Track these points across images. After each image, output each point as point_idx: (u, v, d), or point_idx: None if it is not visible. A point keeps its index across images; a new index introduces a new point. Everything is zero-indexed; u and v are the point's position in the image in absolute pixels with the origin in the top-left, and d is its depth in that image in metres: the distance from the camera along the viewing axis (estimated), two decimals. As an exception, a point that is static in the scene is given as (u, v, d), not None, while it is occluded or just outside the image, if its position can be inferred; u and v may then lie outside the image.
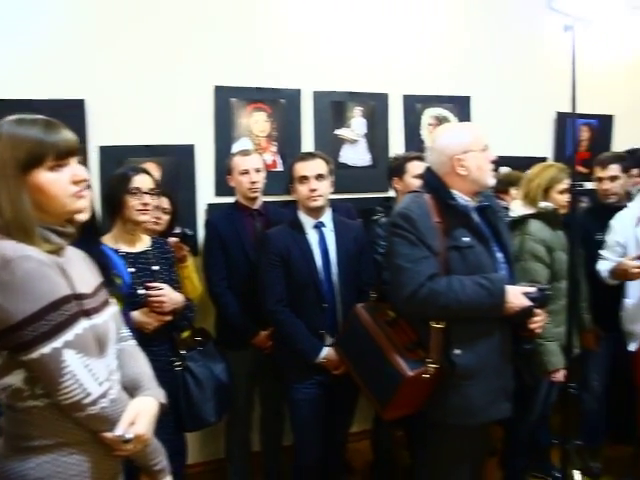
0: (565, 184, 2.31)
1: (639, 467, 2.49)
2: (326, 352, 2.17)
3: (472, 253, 1.70)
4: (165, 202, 2.39)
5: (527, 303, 1.67)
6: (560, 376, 2.31)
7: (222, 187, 2.74)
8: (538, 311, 1.71)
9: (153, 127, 2.70)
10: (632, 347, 2.51)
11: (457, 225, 1.72)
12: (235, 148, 2.78)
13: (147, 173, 2.04)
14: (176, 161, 2.76)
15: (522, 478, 2.67)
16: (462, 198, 1.77)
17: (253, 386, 2.69)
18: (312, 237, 2.25)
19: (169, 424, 1.98)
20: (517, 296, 1.67)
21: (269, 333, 2.46)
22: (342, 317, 2.21)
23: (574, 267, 2.09)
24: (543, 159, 3.38)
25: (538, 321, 1.73)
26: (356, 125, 3.11)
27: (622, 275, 2.36)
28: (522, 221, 2.40)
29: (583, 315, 2.61)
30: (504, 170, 3.23)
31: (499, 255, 1.80)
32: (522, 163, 2.98)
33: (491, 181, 1.80)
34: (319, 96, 3.01)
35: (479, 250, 1.71)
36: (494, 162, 1.79)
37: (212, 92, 2.80)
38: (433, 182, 1.78)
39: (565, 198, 2.36)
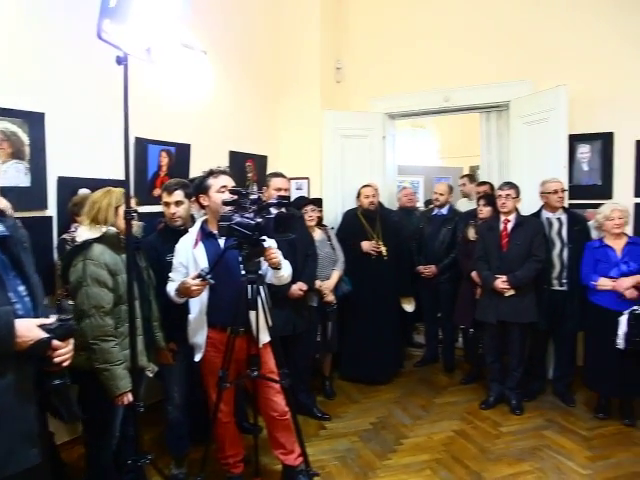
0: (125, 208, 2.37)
1: (209, 464, 2.73)
2: None
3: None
4: None
5: (42, 335, 1.57)
6: (128, 398, 2.35)
7: None
8: (59, 343, 1.62)
9: None
10: (197, 357, 2.75)
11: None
12: None
13: None
14: None
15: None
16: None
17: None
18: None
19: None
20: (30, 329, 1.56)
21: None
22: None
23: (132, 289, 2.17)
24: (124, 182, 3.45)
25: (63, 354, 1.64)
26: None
27: (185, 293, 2.56)
28: (85, 246, 2.37)
29: (156, 334, 2.74)
30: (83, 192, 3.17)
31: (21, 288, 1.66)
32: (104, 186, 2.94)
33: None
34: None
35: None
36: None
37: None
38: None
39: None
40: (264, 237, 2.40)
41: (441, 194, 4.90)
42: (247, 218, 2.37)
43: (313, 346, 3.96)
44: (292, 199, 4.35)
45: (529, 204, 4.24)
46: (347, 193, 4.82)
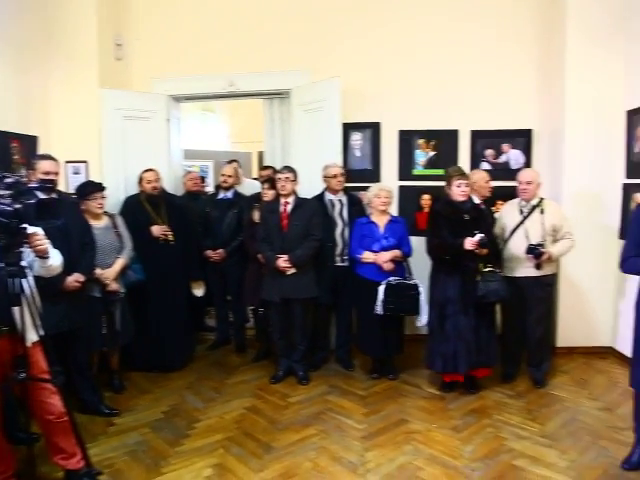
0: None
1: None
2: None
3: None
4: None
5: None
6: None
7: None
8: None
9: None
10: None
11: None
12: None
13: None
14: None
15: None
16: None
17: None
18: None
19: None
20: None
21: None
22: None
23: None
24: None
25: None
26: None
27: None
28: None
29: None
30: None
31: None
32: None
33: None
34: None
35: None
36: None
37: None
38: None
39: None
40: (25, 225, 2.19)
41: (229, 176, 4.94)
42: (3, 204, 2.14)
43: (96, 340, 3.73)
44: (78, 184, 4.01)
45: (310, 187, 4.53)
46: (130, 178, 4.60)
